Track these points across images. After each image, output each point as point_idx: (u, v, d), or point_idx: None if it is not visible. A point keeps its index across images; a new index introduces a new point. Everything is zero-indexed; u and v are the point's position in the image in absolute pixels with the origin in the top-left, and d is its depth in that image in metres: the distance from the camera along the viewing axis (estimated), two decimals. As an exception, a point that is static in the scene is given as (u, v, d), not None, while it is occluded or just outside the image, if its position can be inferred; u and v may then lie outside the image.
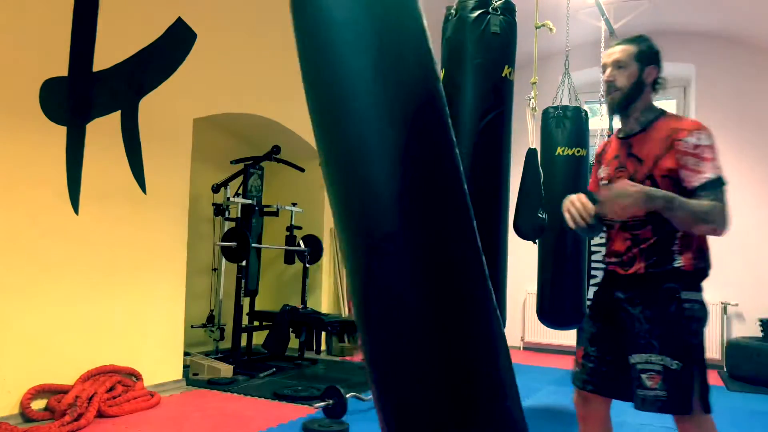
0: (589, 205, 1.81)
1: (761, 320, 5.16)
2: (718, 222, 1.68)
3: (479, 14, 2.66)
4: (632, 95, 1.84)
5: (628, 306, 1.82)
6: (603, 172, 1.95)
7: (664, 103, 6.39)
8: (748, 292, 5.52)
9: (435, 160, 1.16)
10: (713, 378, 5.08)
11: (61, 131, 3.39)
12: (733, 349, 5.02)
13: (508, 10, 2.73)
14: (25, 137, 3.21)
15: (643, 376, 1.73)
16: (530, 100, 3.49)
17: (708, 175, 1.71)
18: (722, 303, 5.55)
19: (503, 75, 2.70)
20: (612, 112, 1.91)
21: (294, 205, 5.57)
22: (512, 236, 3.39)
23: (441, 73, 2.81)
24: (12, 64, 3.16)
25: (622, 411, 3.78)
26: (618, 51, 1.86)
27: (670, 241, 1.78)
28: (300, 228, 5.63)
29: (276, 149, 5.22)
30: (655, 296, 1.77)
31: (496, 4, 2.68)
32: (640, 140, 1.84)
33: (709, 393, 1.79)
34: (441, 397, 1.12)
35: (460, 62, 2.69)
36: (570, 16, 4.49)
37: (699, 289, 1.79)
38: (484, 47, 2.65)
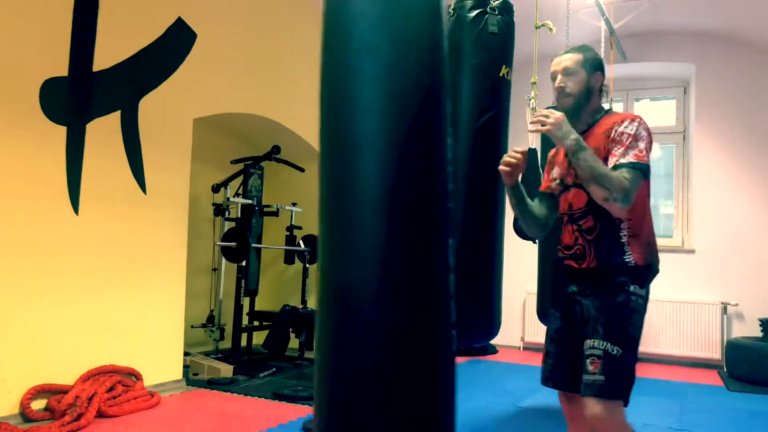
0: (519, 149, 1.93)
1: (761, 320, 5.16)
2: (613, 191, 1.73)
3: (477, 14, 2.67)
4: (582, 100, 1.94)
5: (581, 297, 1.90)
6: (555, 172, 2.05)
7: (664, 102, 6.40)
8: (748, 292, 5.51)
9: (425, 172, 1.21)
10: (713, 378, 5.08)
11: (61, 131, 3.39)
12: (733, 349, 5.02)
13: (506, 10, 2.73)
14: (25, 137, 3.21)
15: (587, 361, 1.79)
16: (530, 99, 3.50)
17: (622, 160, 1.79)
18: (722, 303, 5.54)
19: (501, 75, 2.71)
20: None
21: (294, 205, 5.57)
22: (512, 236, 3.39)
23: None
24: (12, 64, 3.16)
25: (622, 411, 3.79)
26: (566, 59, 1.95)
27: (616, 230, 1.85)
28: (300, 228, 5.63)
29: (276, 149, 5.22)
30: (605, 288, 1.84)
31: (494, 4, 2.69)
32: (585, 138, 1.91)
33: (632, 387, 1.84)
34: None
35: (457, 62, 2.69)
36: (570, 16, 4.49)
37: (645, 286, 1.86)
38: (482, 47, 2.65)
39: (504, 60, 2.72)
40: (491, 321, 2.70)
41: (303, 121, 5.28)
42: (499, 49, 2.70)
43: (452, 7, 2.75)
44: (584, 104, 1.94)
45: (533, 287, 4.42)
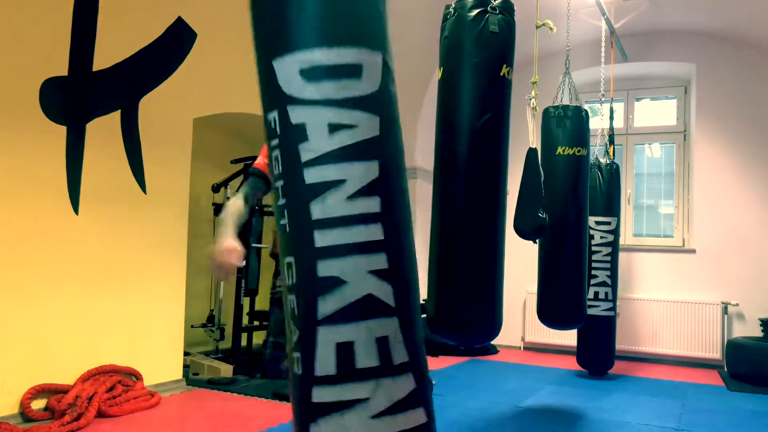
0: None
1: (761, 320, 5.16)
2: None
3: (478, 13, 2.65)
4: None
5: None
6: None
7: (665, 102, 6.39)
8: (749, 292, 5.51)
9: None
10: (714, 378, 5.07)
11: (61, 131, 3.39)
12: (734, 349, 5.02)
13: (507, 9, 2.72)
14: (25, 137, 3.21)
15: None
16: (531, 99, 3.49)
17: None
18: (722, 303, 5.54)
19: (501, 74, 2.69)
20: None
21: (294, 205, 5.57)
22: (513, 236, 3.38)
23: (439, 73, 2.80)
24: (12, 64, 3.16)
25: (622, 411, 3.79)
26: None
27: None
28: (300, 228, 5.62)
29: (276, 149, 5.21)
30: None
31: (494, 3, 2.67)
32: None
33: None
34: None
35: (458, 61, 2.68)
36: (570, 15, 4.49)
37: None
38: (483, 46, 2.64)
39: (505, 59, 2.71)
40: (493, 321, 2.69)
41: (303, 121, 5.26)
42: (500, 49, 2.68)
43: (452, 6, 2.74)
44: None
45: (533, 287, 4.42)
